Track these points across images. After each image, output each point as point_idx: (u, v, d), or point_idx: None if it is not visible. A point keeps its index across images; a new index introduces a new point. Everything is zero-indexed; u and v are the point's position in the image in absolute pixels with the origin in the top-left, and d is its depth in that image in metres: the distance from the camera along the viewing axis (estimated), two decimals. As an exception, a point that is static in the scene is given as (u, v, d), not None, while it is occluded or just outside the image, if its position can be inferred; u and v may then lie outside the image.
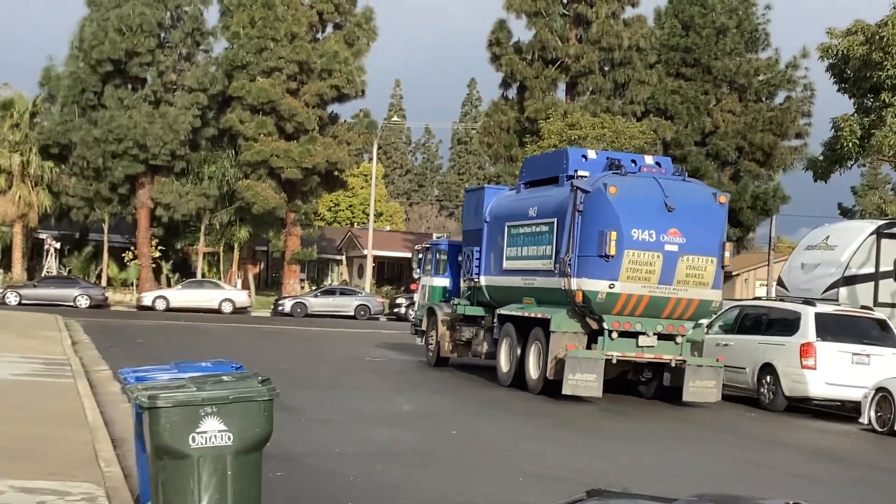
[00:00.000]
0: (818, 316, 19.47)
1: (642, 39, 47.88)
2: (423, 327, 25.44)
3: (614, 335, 18.68)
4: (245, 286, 57.50)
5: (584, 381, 18.24)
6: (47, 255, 57.88)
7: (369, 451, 12.53)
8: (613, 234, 18.10)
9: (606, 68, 48.13)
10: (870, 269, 23.39)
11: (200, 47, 56.38)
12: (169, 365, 8.75)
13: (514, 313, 20.71)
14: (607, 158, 20.01)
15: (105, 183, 53.90)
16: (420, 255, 27.13)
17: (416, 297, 28.59)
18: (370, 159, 68.59)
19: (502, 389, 20.40)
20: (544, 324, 19.26)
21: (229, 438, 7.18)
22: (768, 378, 19.73)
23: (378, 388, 20.33)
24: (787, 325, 19.93)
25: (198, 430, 7.12)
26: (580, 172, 19.62)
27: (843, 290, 23.17)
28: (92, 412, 13.11)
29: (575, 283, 18.62)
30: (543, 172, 21.60)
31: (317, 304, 51.09)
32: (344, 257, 76.71)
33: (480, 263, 22.57)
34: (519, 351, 20.38)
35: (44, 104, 57.45)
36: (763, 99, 56.93)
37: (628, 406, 19.14)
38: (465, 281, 23.54)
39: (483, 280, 22.42)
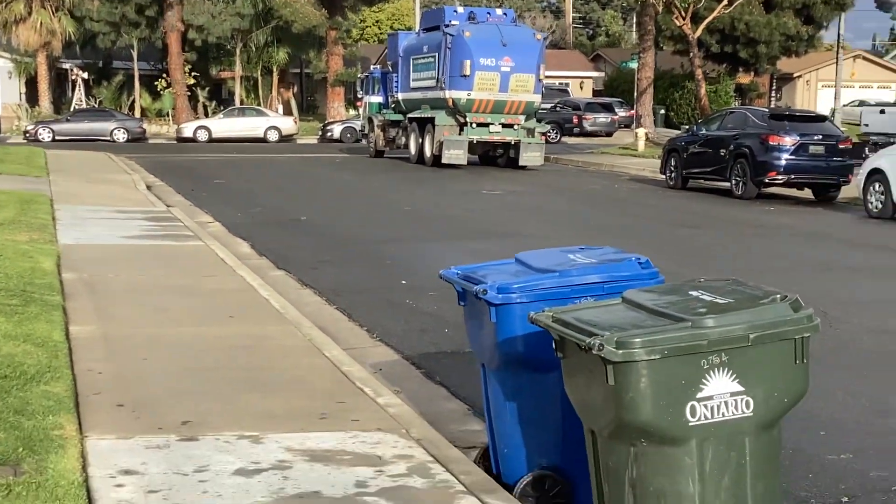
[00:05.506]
0: None
1: None
2: (366, 132, 36.83)
3: (474, 125, 29.74)
4: (287, 112, 54.01)
5: (455, 154, 29.52)
6: (74, 86, 54.16)
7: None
8: (468, 62, 29.04)
9: None
10: None
11: None
12: (511, 260, 5.71)
13: (416, 115, 31.63)
14: (469, 12, 30.35)
15: (131, 5, 49.72)
16: (362, 81, 39.50)
17: (360, 111, 40.46)
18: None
19: (411, 165, 31.50)
20: (433, 120, 30.21)
21: (748, 406, 4.18)
22: None
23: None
24: None
25: (699, 397, 4.13)
26: (452, 22, 29.72)
27: None
28: (269, 293, 10.19)
29: (448, 94, 29.49)
30: (431, 22, 31.94)
31: (369, 127, 47.93)
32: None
33: (398, 84, 33.45)
34: (420, 140, 31.32)
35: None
36: None
37: (483, 171, 29.88)
38: (390, 97, 34.27)
39: (400, 95, 33.31)
